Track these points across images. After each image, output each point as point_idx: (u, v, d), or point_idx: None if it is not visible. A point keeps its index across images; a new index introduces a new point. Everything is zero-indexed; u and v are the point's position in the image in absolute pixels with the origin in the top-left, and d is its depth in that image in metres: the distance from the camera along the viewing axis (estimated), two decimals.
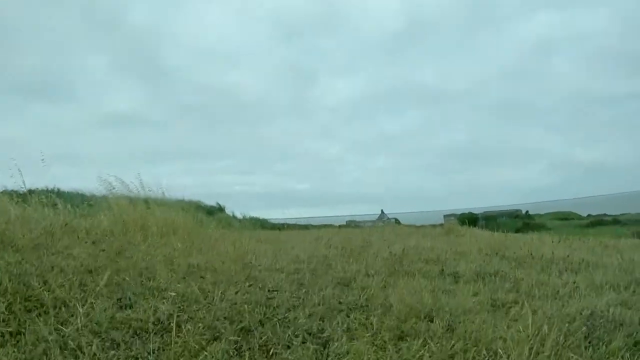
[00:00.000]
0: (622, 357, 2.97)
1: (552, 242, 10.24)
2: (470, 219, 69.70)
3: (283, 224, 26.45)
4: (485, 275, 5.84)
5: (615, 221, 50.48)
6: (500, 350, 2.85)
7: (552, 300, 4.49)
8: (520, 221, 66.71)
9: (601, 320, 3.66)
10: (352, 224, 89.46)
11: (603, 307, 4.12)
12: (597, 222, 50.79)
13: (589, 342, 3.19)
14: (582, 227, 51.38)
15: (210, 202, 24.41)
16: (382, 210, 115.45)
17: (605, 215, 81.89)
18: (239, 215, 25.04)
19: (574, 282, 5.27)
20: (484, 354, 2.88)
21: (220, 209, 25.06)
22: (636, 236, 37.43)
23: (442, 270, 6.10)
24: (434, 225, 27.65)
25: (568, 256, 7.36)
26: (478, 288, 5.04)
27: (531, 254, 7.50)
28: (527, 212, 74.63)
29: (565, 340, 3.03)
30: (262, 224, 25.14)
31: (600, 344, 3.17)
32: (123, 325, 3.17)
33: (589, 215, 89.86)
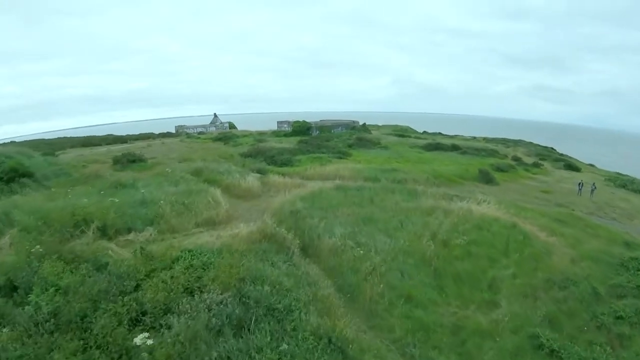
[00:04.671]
0: None
1: None
2: (303, 128, 58.88)
3: None
4: None
5: (454, 147, 45.56)
6: None
7: None
8: (355, 134, 59.04)
9: None
10: (181, 131, 69.35)
11: None
12: (435, 147, 45.19)
13: None
14: (419, 148, 45.07)
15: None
16: (215, 114, 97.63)
17: (440, 134, 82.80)
18: None
19: None
20: None
21: None
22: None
23: None
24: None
25: None
26: None
27: None
28: (364, 124, 67.87)
29: None
30: None
31: None
32: None
33: (424, 132, 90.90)
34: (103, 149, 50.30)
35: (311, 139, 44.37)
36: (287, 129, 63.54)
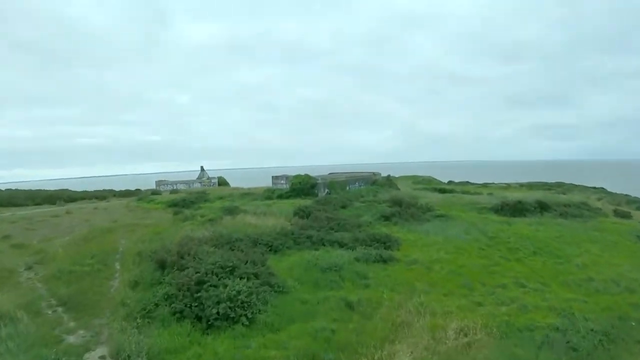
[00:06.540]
0: None
1: None
2: (305, 186, 41.75)
3: None
4: None
5: (542, 206, 27.87)
6: None
7: None
8: (379, 191, 41.59)
9: None
10: (160, 186, 52.56)
11: None
12: (515, 209, 27.51)
13: None
14: (489, 212, 27.52)
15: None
16: (202, 167, 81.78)
17: (469, 184, 65.79)
18: None
19: None
20: None
21: None
22: None
23: None
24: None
25: None
26: None
27: None
28: (388, 176, 50.51)
29: None
30: None
31: None
32: None
33: (450, 182, 73.64)
34: (7, 213, 33.94)
35: (316, 206, 26.65)
36: (284, 185, 46.32)
